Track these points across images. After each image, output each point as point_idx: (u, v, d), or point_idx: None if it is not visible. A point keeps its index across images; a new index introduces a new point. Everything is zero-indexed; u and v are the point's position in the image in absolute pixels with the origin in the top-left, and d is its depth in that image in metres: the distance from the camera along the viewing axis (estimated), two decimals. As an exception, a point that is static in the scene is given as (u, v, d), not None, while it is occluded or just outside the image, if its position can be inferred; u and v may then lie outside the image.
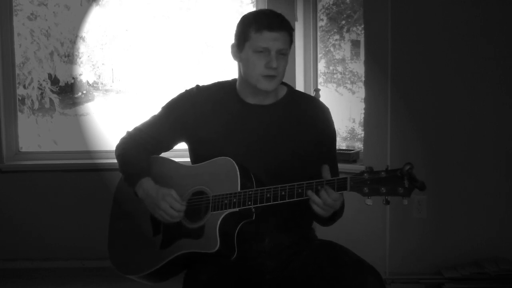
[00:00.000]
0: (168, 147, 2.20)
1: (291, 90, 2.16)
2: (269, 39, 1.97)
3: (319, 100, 2.20)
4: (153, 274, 2.08)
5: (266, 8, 3.73)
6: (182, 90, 2.17)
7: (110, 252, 2.23)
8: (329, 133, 2.12)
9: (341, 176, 1.86)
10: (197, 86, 2.15)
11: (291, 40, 2.03)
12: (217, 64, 4.42)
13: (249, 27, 2.00)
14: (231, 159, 1.97)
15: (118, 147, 2.19)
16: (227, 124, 2.07)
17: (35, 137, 4.64)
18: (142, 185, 2.06)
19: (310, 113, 2.10)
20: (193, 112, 2.10)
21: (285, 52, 2.01)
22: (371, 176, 1.77)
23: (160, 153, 2.21)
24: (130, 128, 2.21)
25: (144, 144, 2.15)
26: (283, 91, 2.13)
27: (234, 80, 2.13)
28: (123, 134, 2.22)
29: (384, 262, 3.44)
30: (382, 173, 1.76)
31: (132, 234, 2.16)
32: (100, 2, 4.45)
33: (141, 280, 2.15)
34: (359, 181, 1.79)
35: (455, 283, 3.29)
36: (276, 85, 2.03)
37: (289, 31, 2.02)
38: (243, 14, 2.08)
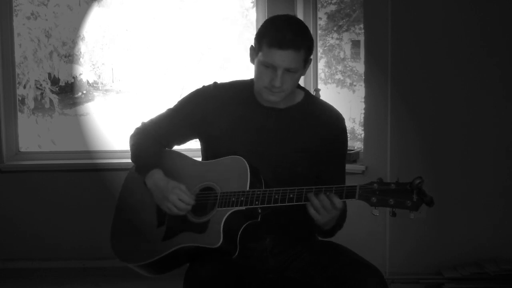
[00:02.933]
0: (180, 142, 2.20)
1: (308, 95, 2.15)
2: (277, 57, 1.92)
3: (334, 108, 2.17)
4: (152, 264, 2.07)
5: (265, 7, 3.72)
6: (200, 86, 2.16)
7: (112, 239, 2.22)
8: (340, 141, 2.12)
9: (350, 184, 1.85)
10: (215, 83, 2.15)
11: (306, 55, 1.96)
12: (217, 64, 4.42)
13: (263, 37, 1.96)
14: (243, 159, 1.97)
15: (131, 137, 2.21)
16: (238, 124, 2.07)
17: (35, 137, 4.64)
18: (152, 176, 2.06)
19: (323, 120, 2.09)
20: (206, 109, 2.09)
21: (295, 70, 1.96)
22: (380, 187, 1.77)
23: (172, 147, 2.21)
24: (146, 119, 2.22)
25: (156, 136, 2.16)
26: (300, 96, 2.11)
27: (252, 81, 2.09)
28: (137, 124, 2.23)
29: (384, 262, 3.44)
30: (392, 185, 1.76)
31: (136, 224, 2.16)
32: (100, 2, 4.45)
33: (140, 270, 2.14)
34: (368, 191, 1.79)
35: (455, 283, 3.29)
36: (280, 98, 2.00)
37: (302, 48, 1.94)
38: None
